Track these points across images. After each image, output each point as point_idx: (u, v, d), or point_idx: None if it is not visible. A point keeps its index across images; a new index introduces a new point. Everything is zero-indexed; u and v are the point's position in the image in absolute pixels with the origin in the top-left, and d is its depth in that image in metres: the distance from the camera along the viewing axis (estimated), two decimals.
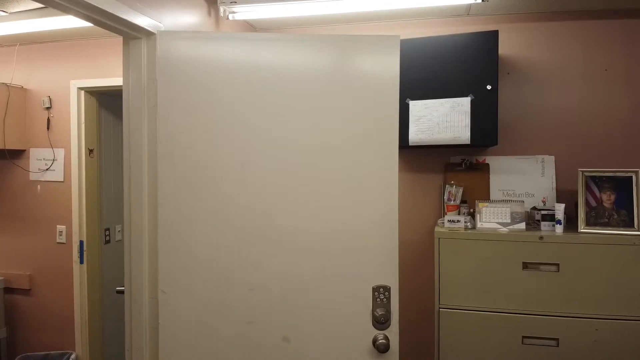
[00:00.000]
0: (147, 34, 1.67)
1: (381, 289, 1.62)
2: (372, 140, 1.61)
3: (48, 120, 2.98)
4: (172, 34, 1.61)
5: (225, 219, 1.63)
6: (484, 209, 2.12)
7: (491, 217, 2.11)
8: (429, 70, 2.13)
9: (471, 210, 2.33)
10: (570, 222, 2.19)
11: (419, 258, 2.53)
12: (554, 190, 2.35)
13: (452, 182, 2.36)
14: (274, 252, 1.62)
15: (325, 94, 1.60)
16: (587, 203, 2.06)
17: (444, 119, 2.09)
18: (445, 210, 2.31)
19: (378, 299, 1.62)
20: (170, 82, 1.62)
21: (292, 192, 1.61)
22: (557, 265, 1.98)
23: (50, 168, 2.99)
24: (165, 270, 1.64)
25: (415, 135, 2.12)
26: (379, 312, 1.61)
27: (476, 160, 2.42)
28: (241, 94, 1.61)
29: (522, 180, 2.37)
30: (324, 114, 1.60)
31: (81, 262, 2.95)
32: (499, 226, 2.10)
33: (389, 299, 1.62)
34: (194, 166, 1.64)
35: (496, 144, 2.10)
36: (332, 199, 1.61)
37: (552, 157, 2.37)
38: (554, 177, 2.35)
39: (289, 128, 1.61)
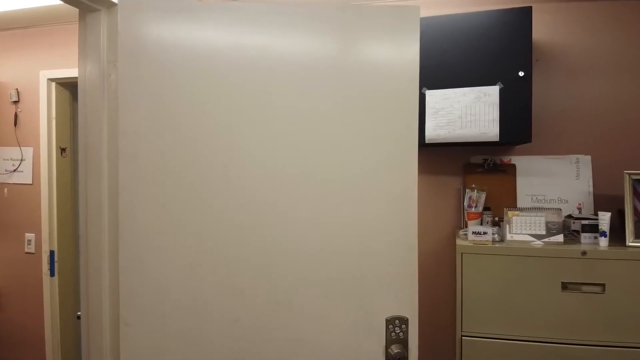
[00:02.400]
0: (108, 4, 1.35)
1: (397, 321, 1.30)
2: (385, 143, 1.29)
3: (15, 115, 2.66)
4: (137, 3, 1.29)
5: (203, 233, 1.30)
6: (514, 218, 1.80)
7: (523, 228, 1.79)
8: (449, 54, 1.81)
9: (496, 218, 2.00)
10: (614, 234, 1.87)
11: (434, 273, 2.20)
12: (591, 196, 2.03)
13: (473, 185, 2.04)
14: (264, 275, 1.30)
15: (325, 84, 1.28)
16: (635, 211, 1.74)
17: (467, 112, 1.77)
18: (466, 219, 1.98)
19: (393, 333, 1.30)
20: (135, 66, 1.30)
21: (286, 204, 1.29)
22: (603, 285, 1.66)
23: (18, 169, 2.66)
24: (128, 296, 1.32)
25: (433, 131, 1.80)
26: (395, 349, 1.29)
27: (500, 160, 2.10)
28: (224, 81, 1.29)
29: (553, 184, 2.05)
30: (324, 109, 1.28)
31: (52, 274, 2.62)
32: (532, 239, 1.77)
33: (406, 332, 1.30)
34: (163, 170, 1.31)
35: (529, 140, 1.77)
36: (336, 213, 1.29)
37: (589, 157, 2.05)
38: (591, 180, 2.03)
39: (283, 126, 1.29)
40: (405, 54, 1.28)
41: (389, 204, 1.29)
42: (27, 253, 2.68)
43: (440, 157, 2.17)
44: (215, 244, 1.30)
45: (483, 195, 1.99)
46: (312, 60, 1.28)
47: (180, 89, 1.30)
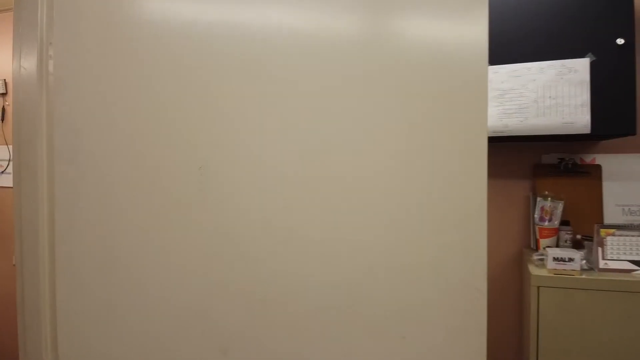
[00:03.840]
0: None
1: None
2: (441, 143, 0.85)
3: (2, 109, 2.34)
4: None
5: (168, 266, 0.90)
6: (608, 238, 1.33)
7: (620, 252, 1.32)
8: (520, 16, 1.34)
9: (577, 236, 1.53)
10: None
11: (492, 306, 1.74)
12: None
13: (546, 192, 1.56)
14: (253, 335, 0.88)
15: (352, 65, 0.85)
16: None
17: (544, 94, 1.30)
18: (537, 236, 1.52)
19: None
20: (73, 38, 0.91)
21: (289, 225, 0.87)
22: None
23: (6, 171, 2.34)
24: (67, 348, 0.93)
25: (498, 121, 1.34)
26: None
27: (581, 160, 1.62)
28: (202, 54, 0.89)
29: None
30: (350, 95, 0.85)
31: None
32: (634, 266, 1.30)
33: None
34: (115, 173, 0.92)
35: (634, 132, 1.29)
36: (364, 240, 0.86)
37: None
38: None
39: (292, 121, 0.87)
40: (468, 19, 0.83)
41: (446, 229, 0.85)
42: (15, 265, 2.36)
43: (502, 156, 1.70)
44: (185, 282, 0.89)
45: (560, 206, 1.52)
46: (333, 34, 0.86)
47: (137, 67, 0.90)
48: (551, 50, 1.31)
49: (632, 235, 1.32)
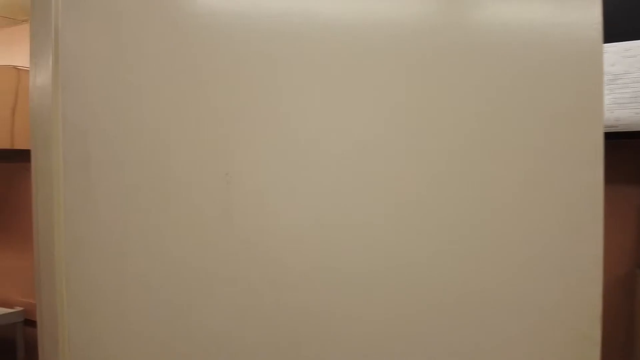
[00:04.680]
0: None
1: None
2: (538, 148, 0.63)
3: None
4: None
5: (183, 284, 0.75)
6: None
7: None
8: None
9: None
10: None
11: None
12: None
13: None
14: None
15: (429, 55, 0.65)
16: None
17: None
18: None
19: None
20: (82, 29, 0.80)
21: (330, 250, 0.68)
22: None
23: None
24: None
25: (608, 113, 1.06)
26: None
27: None
28: (233, 49, 0.73)
29: None
30: (423, 91, 0.66)
31: None
32: None
33: None
34: (129, 177, 0.78)
35: None
36: (436, 275, 0.65)
37: None
38: None
39: (343, 122, 0.69)
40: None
41: (544, 252, 0.63)
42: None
43: (608, 155, 1.39)
44: (200, 318, 0.73)
45: None
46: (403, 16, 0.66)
47: (150, 65, 0.76)
48: None
49: None
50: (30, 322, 2.46)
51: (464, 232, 0.64)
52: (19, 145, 2.29)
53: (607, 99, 1.06)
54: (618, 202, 1.38)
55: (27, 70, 2.32)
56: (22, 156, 2.45)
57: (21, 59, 2.44)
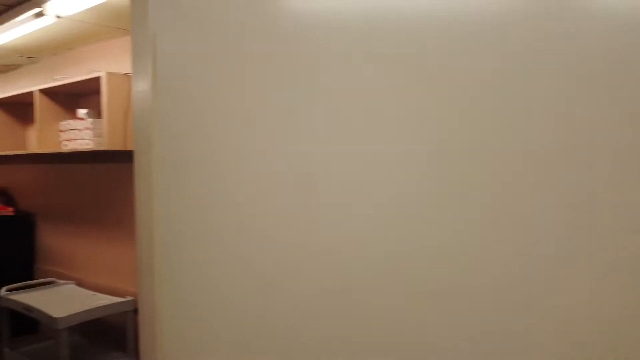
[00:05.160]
0: None
1: None
2: None
3: None
4: None
5: (260, 284, 0.75)
6: None
7: None
8: None
9: None
10: None
11: None
12: None
13: None
14: None
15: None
16: None
17: None
18: None
19: None
20: (172, 26, 0.83)
21: (418, 260, 0.64)
22: None
23: None
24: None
25: None
26: None
27: None
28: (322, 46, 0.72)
29: None
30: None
31: None
32: None
33: None
34: (219, 181, 0.80)
35: None
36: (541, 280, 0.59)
37: None
38: None
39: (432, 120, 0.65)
40: None
41: None
42: None
43: None
44: (278, 315, 0.73)
45: None
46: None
47: (231, 68, 0.77)
48: None
49: None
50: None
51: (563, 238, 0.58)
52: (131, 147, 2.49)
53: None
54: None
55: None
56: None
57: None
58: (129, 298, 2.62)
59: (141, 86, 0.95)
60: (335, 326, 0.69)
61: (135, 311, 2.62)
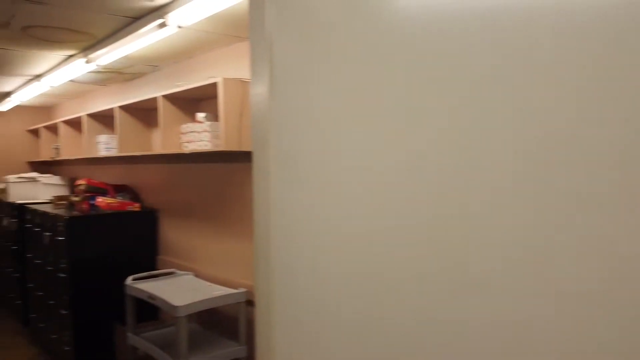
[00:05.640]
0: None
1: None
2: None
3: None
4: None
5: (375, 284, 0.75)
6: None
7: None
8: None
9: None
10: None
11: None
12: None
13: None
14: None
15: None
16: None
17: None
18: None
19: None
20: (287, 22, 0.85)
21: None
22: None
23: None
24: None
25: None
26: None
27: None
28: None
29: None
30: None
31: None
32: None
33: None
34: (328, 179, 0.82)
35: None
36: None
37: None
38: None
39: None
40: None
41: None
42: None
43: None
44: (385, 314, 0.72)
45: None
46: None
47: (347, 67, 0.77)
48: None
49: None
50: (251, 303, 2.79)
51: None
52: (245, 147, 2.63)
53: None
54: None
55: (249, 82, 2.64)
56: (248, 157, 2.81)
57: (245, 72, 2.79)
58: (242, 290, 2.76)
59: (259, 89, 0.99)
60: (454, 335, 0.67)
61: (248, 302, 2.76)
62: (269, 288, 0.98)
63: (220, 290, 2.83)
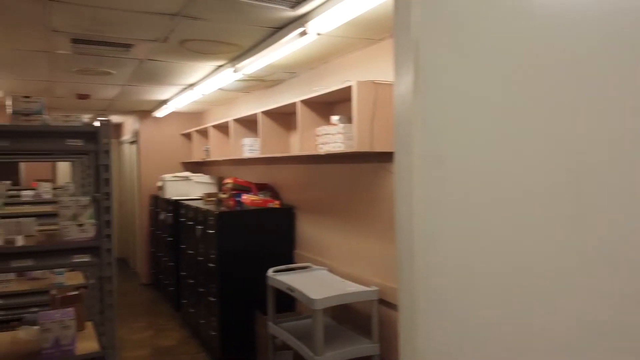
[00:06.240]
0: None
1: None
2: None
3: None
4: None
5: (528, 287, 0.72)
6: None
7: None
8: None
9: None
10: None
11: None
12: None
13: None
14: None
15: None
16: None
17: None
18: None
19: None
20: (441, 29, 0.86)
21: None
22: None
23: None
24: None
25: None
26: None
27: None
28: None
29: None
30: None
31: None
32: None
33: None
34: (476, 177, 0.81)
35: None
36: None
37: None
38: None
39: None
40: None
41: None
42: None
43: None
44: (543, 320, 0.69)
45: None
46: None
47: (501, 64, 0.76)
48: None
49: None
50: (382, 302, 2.82)
51: None
52: (377, 148, 2.67)
53: None
54: None
55: (383, 84, 2.68)
56: (379, 158, 2.85)
57: (377, 74, 2.83)
58: (374, 288, 2.80)
59: (403, 89, 1.01)
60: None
61: (380, 301, 2.79)
62: (412, 290, 1.00)
63: (353, 287, 2.90)
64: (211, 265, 3.87)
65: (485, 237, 0.82)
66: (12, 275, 3.20)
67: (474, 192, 0.85)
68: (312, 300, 2.64)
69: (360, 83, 2.63)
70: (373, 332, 2.77)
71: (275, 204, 4.04)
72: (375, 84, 2.66)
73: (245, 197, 4.14)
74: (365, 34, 2.74)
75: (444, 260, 0.92)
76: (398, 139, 1.04)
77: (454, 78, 0.87)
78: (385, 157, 2.80)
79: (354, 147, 2.67)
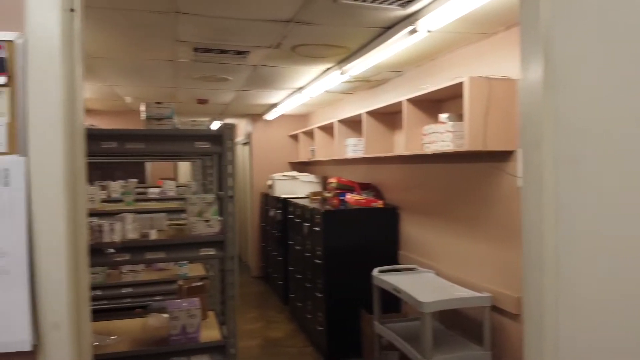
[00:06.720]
0: None
1: None
2: None
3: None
4: None
5: None
6: None
7: None
8: None
9: None
10: None
11: None
12: None
13: None
14: None
15: None
16: None
17: None
18: None
19: None
20: (578, 25, 0.81)
21: None
22: None
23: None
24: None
25: None
26: None
27: None
28: None
29: None
30: None
31: None
32: None
33: None
34: (622, 180, 0.75)
35: None
36: None
37: None
38: None
39: None
40: None
41: None
42: None
43: None
44: None
45: None
46: None
47: None
48: None
49: None
50: (495, 308, 2.69)
51: None
52: (490, 147, 2.56)
53: None
54: None
55: (497, 79, 2.56)
56: (492, 157, 2.73)
57: (489, 69, 2.71)
58: (487, 294, 2.69)
59: (531, 86, 0.97)
60: None
61: (492, 308, 2.67)
62: (541, 300, 0.95)
63: (463, 292, 2.81)
64: (317, 261, 3.97)
65: (632, 245, 0.75)
66: (141, 266, 3.53)
67: (615, 195, 0.79)
68: (420, 303, 2.60)
69: (472, 79, 2.54)
70: (485, 338, 2.66)
71: (379, 203, 4.04)
72: (488, 79, 2.55)
73: (349, 197, 4.18)
74: (477, 29, 2.64)
75: (585, 269, 0.86)
76: (526, 138, 1.00)
77: (595, 70, 0.82)
78: (499, 157, 2.68)
79: (465, 146, 2.58)
